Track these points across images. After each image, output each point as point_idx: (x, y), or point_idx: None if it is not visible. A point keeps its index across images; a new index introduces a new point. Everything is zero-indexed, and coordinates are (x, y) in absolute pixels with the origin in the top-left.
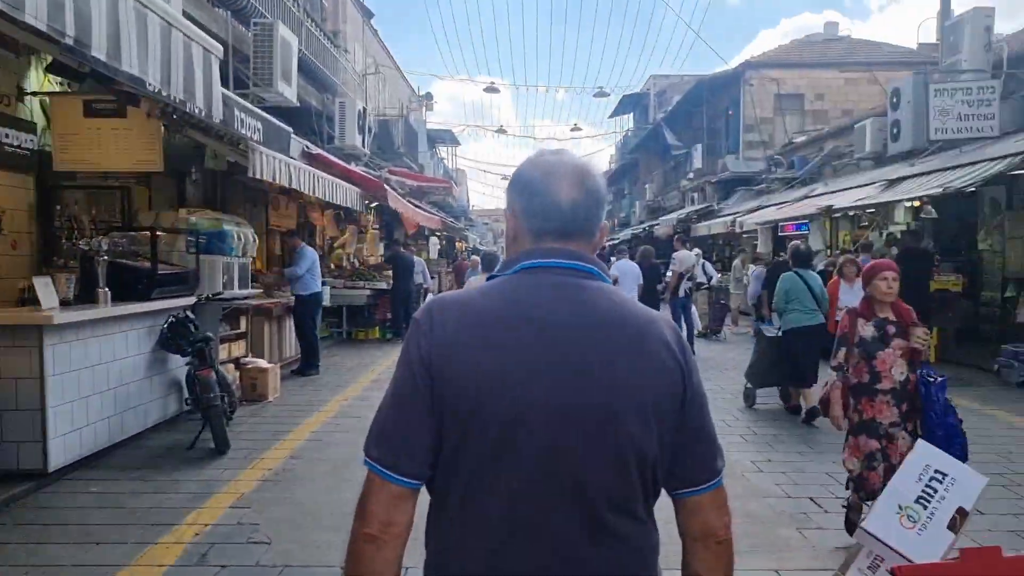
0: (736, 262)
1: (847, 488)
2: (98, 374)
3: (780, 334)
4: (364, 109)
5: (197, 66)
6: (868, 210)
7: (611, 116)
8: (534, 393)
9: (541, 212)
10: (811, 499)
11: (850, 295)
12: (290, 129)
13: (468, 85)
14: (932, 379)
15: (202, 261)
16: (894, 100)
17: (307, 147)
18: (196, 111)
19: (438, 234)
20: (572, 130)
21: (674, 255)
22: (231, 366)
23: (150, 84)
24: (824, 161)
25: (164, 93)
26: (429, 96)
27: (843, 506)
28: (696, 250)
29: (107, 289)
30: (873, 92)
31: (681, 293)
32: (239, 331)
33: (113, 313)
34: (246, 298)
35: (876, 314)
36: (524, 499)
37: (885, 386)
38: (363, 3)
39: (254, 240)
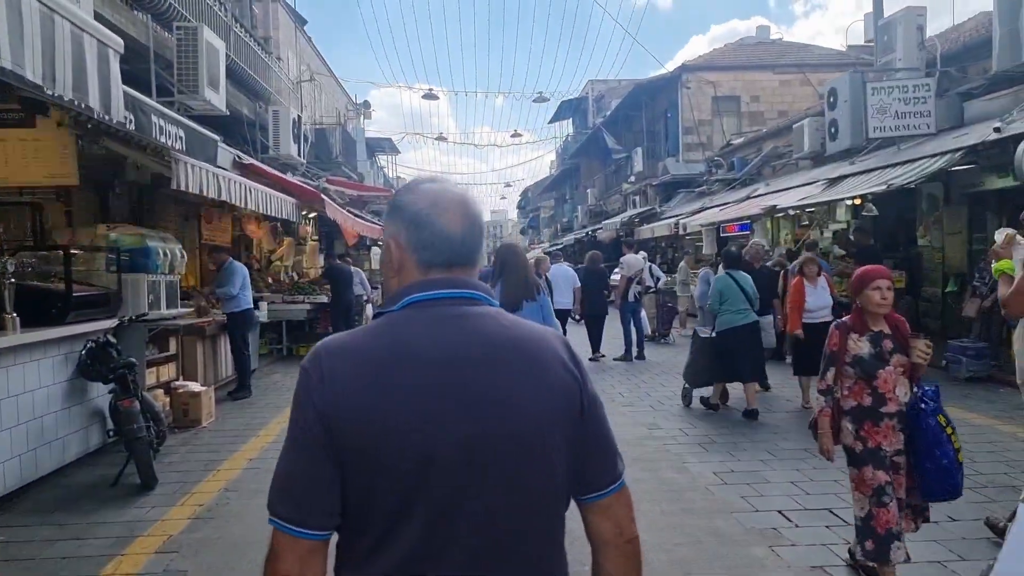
0: (682, 264)
1: (857, 541)
2: (6, 408)
3: (714, 335)
4: (299, 117)
5: (90, 60)
6: (808, 209)
7: (550, 122)
8: (440, 432)
9: (431, 244)
10: (780, 512)
11: (815, 296)
12: (217, 137)
13: (406, 93)
14: (925, 403)
15: (124, 280)
16: (831, 100)
17: (238, 157)
18: (94, 113)
19: (380, 244)
20: (512, 136)
21: (622, 259)
22: (160, 391)
23: (30, 80)
24: (763, 161)
25: (51, 92)
26: (367, 104)
27: (850, 563)
28: (642, 253)
29: (15, 315)
30: (806, 93)
31: (630, 297)
32: (168, 353)
33: (22, 341)
34: (175, 318)
35: (869, 327)
36: (439, 541)
37: (891, 409)
38: (295, 10)
39: (182, 256)
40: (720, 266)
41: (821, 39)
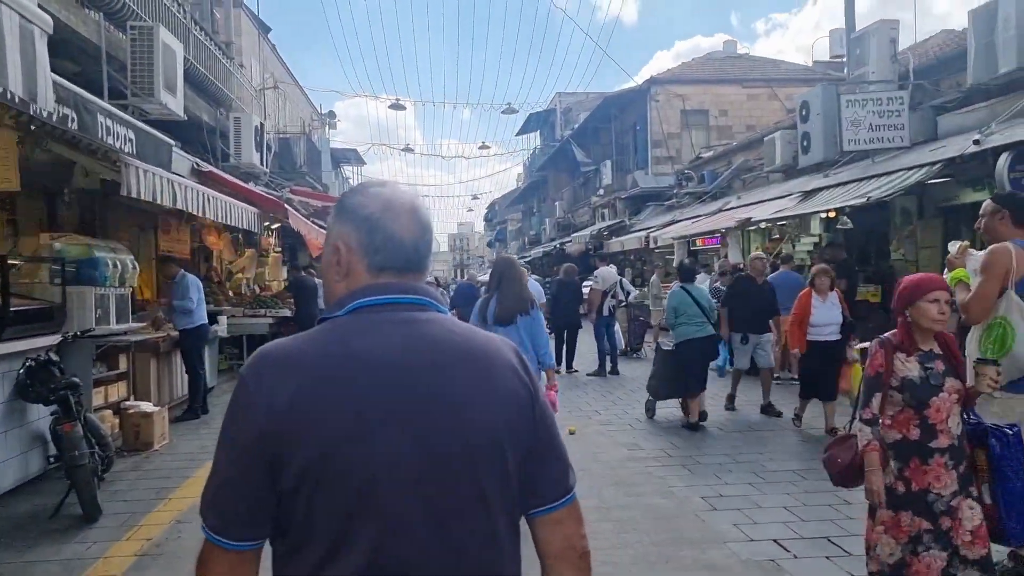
0: (654, 278)
1: None
2: None
3: (674, 348)
4: (262, 125)
5: (10, 39)
6: (780, 223)
7: (518, 134)
8: (387, 443)
9: (384, 248)
10: (775, 541)
11: (823, 310)
12: (172, 141)
13: (372, 105)
14: (1007, 432)
15: (69, 293)
16: (803, 113)
17: (197, 164)
18: (14, 98)
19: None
20: (480, 148)
21: (595, 272)
22: (109, 412)
23: None
24: (734, 175)
25: None
26: (332, 115)
27: None
28: (611, 266)
29: None
30: (774, 108)
31: (604, 312)
32: (118, 371)
33: None
34: (126, 333)
35: (919, 346)
36: (389, 553)
37: (942, 443)
38: (258, 17)
39: (134, 267)
40: (746, 277)
41: (783, 57)
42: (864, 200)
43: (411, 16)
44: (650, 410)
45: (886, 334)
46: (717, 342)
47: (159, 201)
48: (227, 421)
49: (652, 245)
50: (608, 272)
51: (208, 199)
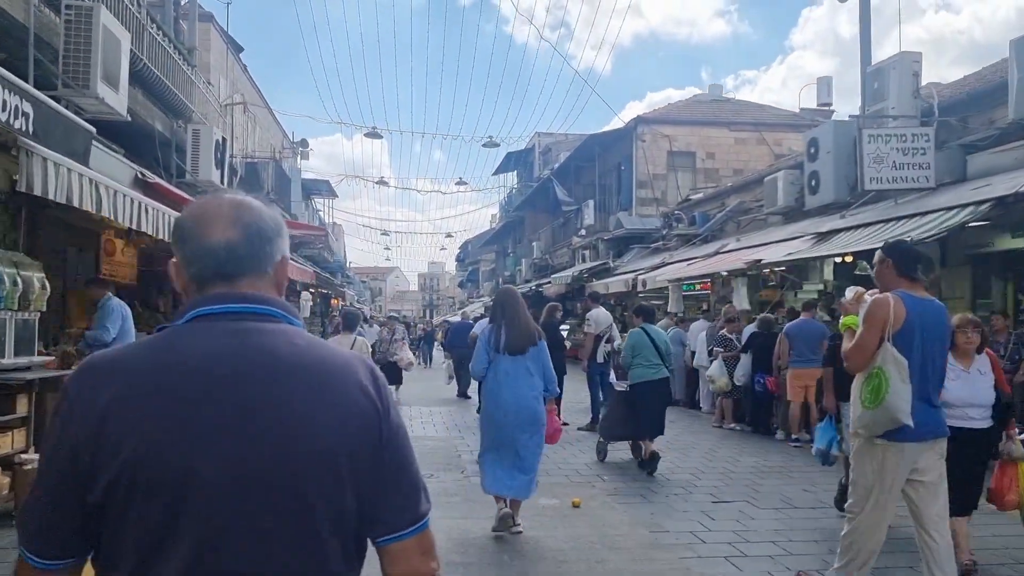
0: (663, 321)
1: None
2: None
3: (628, 389)
4: (224, 140)
5: None
6: (779, 268)
7: (495, 173)
8: (205, 455)
9: (196, 258)
10: None
11: (966, 384)
12: (91, 128)
13: (347, 140)
14: None
15: None
16: (811, 151)
17: (142, 174)
18: None
19: (312, 289)
20: (457, 184)
21: (588, 314)
22: None
23: None
24: (728, 216)
25: None
26: (304, 143)
27: None
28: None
29: None
30: (762, 152)
31: (599, 358)
32: (16, 416)
33: None
34: (28, 368)
35: None
36: (206, 568)
37: None
38: (228, 34)
39: (44, 288)
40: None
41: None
42: (908, 240)
43: (395, 53)
44: (601, 452)
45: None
46: (668, 386)
47: (78, 204)
48: (47, 433)
49: (640, 288)
50: (601, 314)
51: (146, 210)
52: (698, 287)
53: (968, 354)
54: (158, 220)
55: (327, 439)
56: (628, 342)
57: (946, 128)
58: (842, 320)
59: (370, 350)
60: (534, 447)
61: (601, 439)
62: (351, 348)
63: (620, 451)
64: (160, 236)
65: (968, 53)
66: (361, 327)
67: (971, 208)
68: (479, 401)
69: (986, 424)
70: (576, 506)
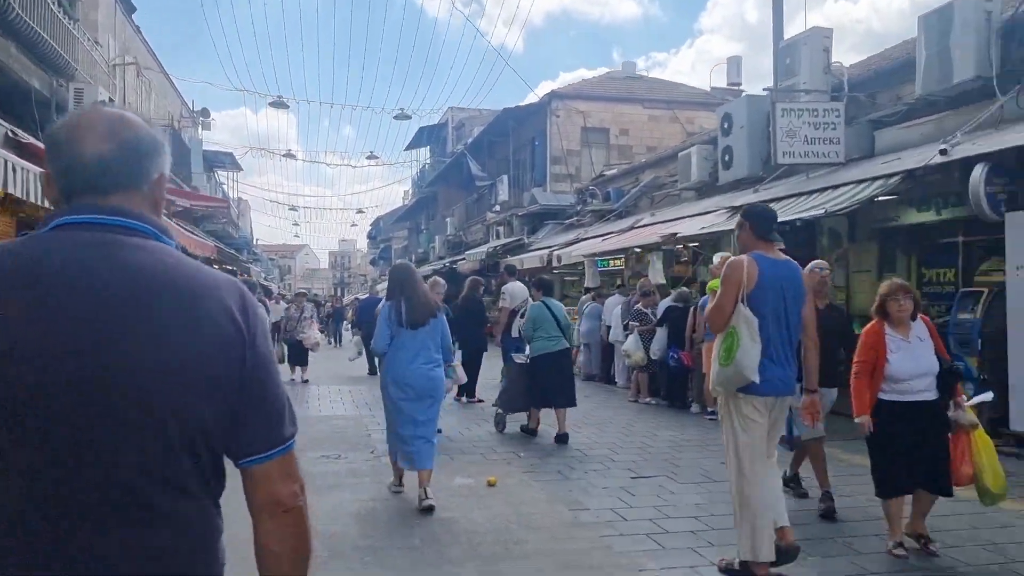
0: (584, 296)
1: None
2: None
3: (528, 360)
4: (111, 101)
5: None
6: (692, 244)
7: (407, 148)
8: (52, 367)
9: (68, 170)
10: None
11: (908, 355)
12: None
13: (252, 114)
14: None
15: None
16: (725, 125)
17: (13, 132)
18: None
19: (215, 266)
20: (368, 158)
21: (504, 288)
22: None
23: None
24: (643, 192)
25: None
26: (205, 112)
27: None
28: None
29: None
30: (675, 130)
31: (515, 333)
32: None
33: None
34: None
35: None
36: (48, 480)
37: None
38: None
39: None
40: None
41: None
42: (822, 212)
43: (299, 16)
44: (500, 423)
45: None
46: (570, 356)
47: None
48: None
49: (555, 264)
50: (517, 288)
51: (14, 169)
52: (612, 264)
53: (904, 322)
54: (29, 182)
55: (183, 358)
56: (529, 315)
57: (855, 104)
58: (708, 284)
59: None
60: (433, 415)
61: (499, 411)
62: None
63: (518, 422)
64: (36, 201)
65: (865, 41)
66: (264, 302)
67: (881, 181)
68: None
69: (933, 396)
70: (492, 485)
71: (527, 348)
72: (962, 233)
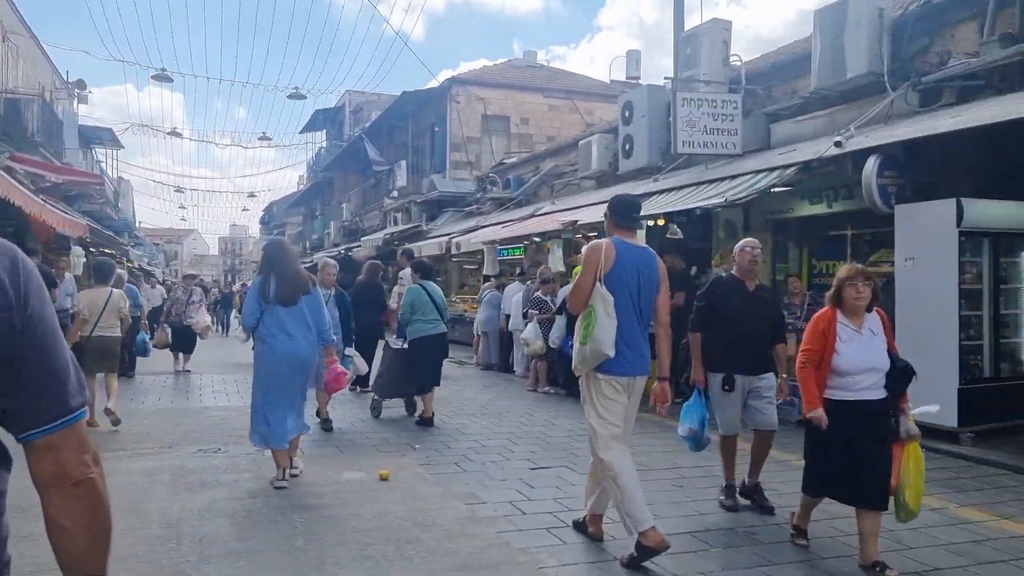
0: (485, 285)
1: None
2: None
3: (406, 346)
4: None
5: None
6: (591, 233)
7: (302, 131)
8: None
9: None
10: None
11: (858, 347)
12: None
13: (136, 91)
14: None
15: None
16: (626, 114)
17: None
18: None
19: (92, 249)
20: (261, 139)
21: (401, 274)
22: None
23: None
24: (543, 180)
25: None
26: (82, 84)
27: None
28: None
29: None
30: (575, 120)
31: None
32: None
33: None
34: None
35: None
36: None
37: None
38: None
39: None
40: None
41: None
42: (722, 201)
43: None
44: (376, 409)
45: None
46: (446, 340)
47: None
48: None
49: (454, 251)
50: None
51: None
52: (512, 254)
53: (859, 311)
54: None
55: None
56: (407, 299)
57: (752, 97)
58: (575, 269)
59: (127, 303)
60: (304, 387)
61: (376, 397)
62: (105, 304)
63: (444, 418)
64: None
65: (754, 45)
66: (136, 283)
67: (778, 172)
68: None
69: (881, 394)
70: (384, 479)
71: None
72: (851, 226)
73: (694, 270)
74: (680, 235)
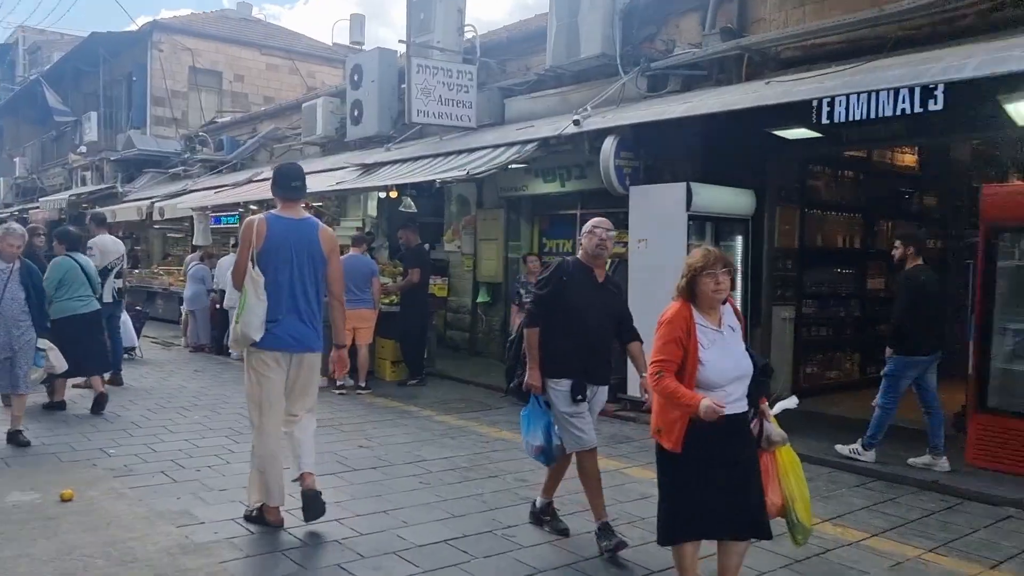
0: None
1: None
2: None
3: (50, 324)
4: None
5: None
6: (317, 203)
7: None
8: None
9: None
10: None
11: (720, 349)
12: None
13: None
14: None
15: None
16: (355, 78)
17: None
18: None
19: None
20: None
21: (91, 241)
22: None
23: None
24: (261, 143)
25: None
26: None
27: None
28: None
29: None
30: (295, 82)
31: (108, 297)
32: None
33: None
34: None
35: None
36: None
37: None
38: None
39: None
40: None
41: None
42: (463, 174)
43: None
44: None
45: None
46: (101, 317)
47: None
48: None
49: (157, 217)
50: (111, 242)
51: None
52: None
53: (716, 306)
54: None
55: None
56: (53, 274)
57: (486, 70)
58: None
59: None
60: None
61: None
62: None
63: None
64: None
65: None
66: None
67: (518, 147)
68: None
69: (745, 406)
70: (67, 500)
71: (128, 321)
72: (580, 205)
73: (427, 247)
74: (414, 208)
